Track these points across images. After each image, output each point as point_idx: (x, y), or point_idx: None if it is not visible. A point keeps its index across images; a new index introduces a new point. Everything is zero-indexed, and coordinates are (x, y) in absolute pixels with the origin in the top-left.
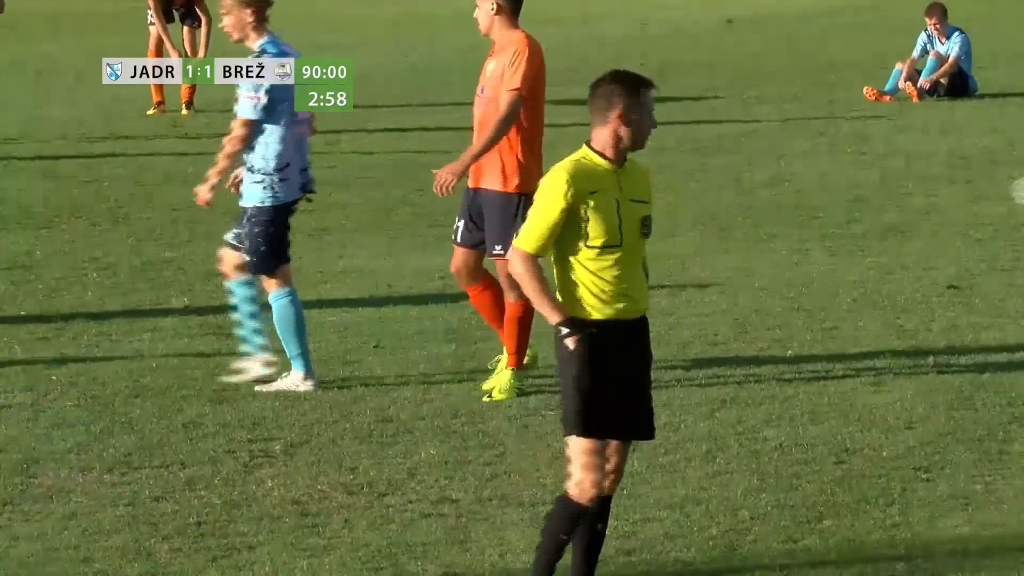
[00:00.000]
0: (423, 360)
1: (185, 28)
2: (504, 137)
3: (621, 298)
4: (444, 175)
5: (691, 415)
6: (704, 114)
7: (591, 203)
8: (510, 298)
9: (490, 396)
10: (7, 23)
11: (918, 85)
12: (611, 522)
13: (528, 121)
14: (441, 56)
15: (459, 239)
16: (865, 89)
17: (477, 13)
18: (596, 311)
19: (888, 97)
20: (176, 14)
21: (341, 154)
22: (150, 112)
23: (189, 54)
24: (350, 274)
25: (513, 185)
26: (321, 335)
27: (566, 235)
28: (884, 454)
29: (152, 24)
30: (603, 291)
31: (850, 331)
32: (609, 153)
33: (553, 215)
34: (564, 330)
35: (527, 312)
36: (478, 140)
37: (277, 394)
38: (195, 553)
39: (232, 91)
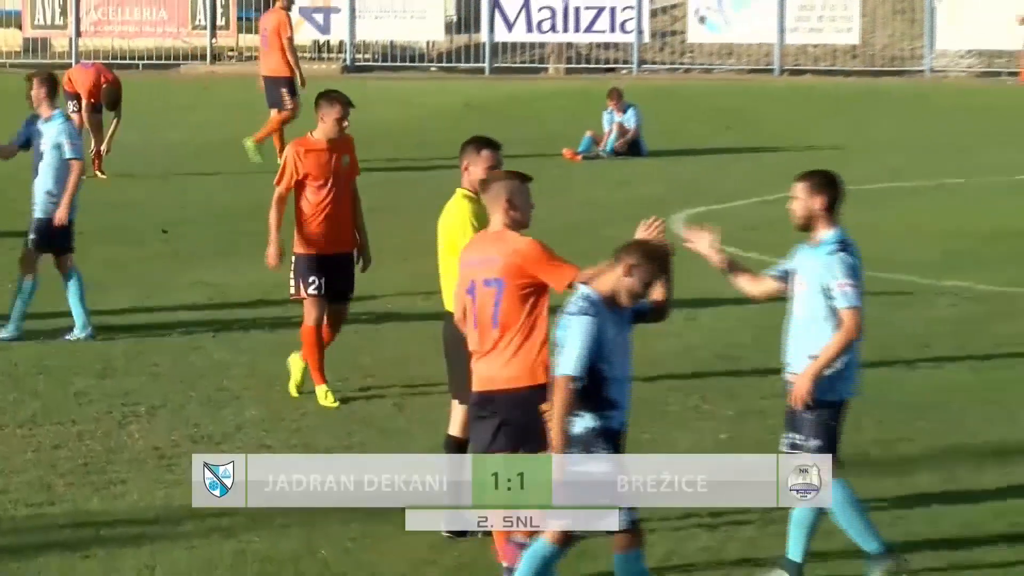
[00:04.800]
0: (250, 347)
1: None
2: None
3: None
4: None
5: None
6: (448, 176)
7: None
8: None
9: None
10: None
11: (611, 148)
12: None
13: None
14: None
15: (325, 292)
16: (564, 151)
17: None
18: None
19: (579, 157)
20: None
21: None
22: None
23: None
24: (195, 285)
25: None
26: (172, 328)
27: None
28: None
29: (75, 112)
30: None
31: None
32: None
33: None
34: None
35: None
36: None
37: (142, 371)
38: (83, 486)
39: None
